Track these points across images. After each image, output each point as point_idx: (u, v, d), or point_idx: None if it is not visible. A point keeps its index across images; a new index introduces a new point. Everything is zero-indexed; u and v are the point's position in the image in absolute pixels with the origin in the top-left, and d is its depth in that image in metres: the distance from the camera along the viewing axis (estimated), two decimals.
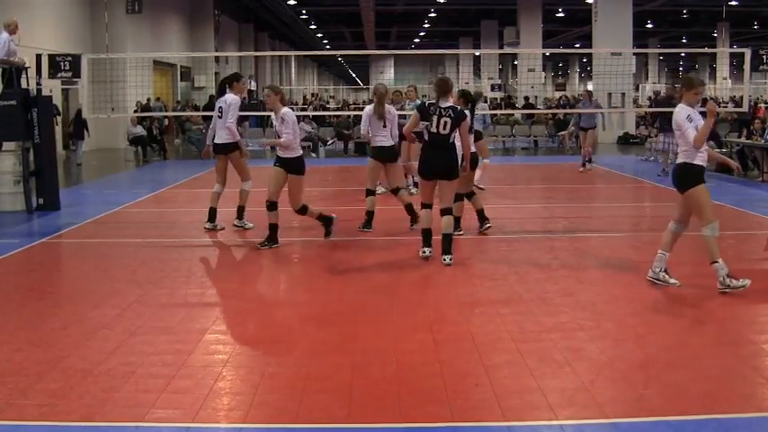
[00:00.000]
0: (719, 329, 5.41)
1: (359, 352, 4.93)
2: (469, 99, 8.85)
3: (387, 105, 9.22)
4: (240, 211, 9.46)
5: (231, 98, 9.05)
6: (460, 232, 8.70)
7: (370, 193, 9.14)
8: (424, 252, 7.43)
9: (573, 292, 6.43)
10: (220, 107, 9.05)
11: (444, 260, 7.21)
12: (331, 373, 4.54)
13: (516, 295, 6.32)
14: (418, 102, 12.47)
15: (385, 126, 9.06)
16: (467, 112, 8.67)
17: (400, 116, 11.96)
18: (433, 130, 7.26)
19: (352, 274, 7.16)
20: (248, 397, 4.21)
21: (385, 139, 9.09)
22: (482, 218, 8.86)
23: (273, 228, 8.16)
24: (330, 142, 22.63)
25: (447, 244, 7.31)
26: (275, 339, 5.25)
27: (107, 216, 10.71)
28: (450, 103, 7.40)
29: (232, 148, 9.16)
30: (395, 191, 9.21)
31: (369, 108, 9.38)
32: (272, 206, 8.07)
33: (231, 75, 9.67)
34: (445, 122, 7.22)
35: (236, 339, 5.24)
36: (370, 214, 9.04)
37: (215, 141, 9.25)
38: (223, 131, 9.07)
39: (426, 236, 7.50)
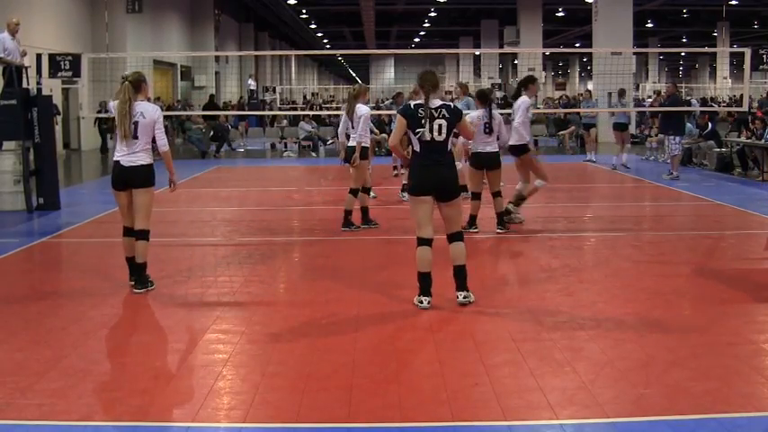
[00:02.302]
0: (719, 329, 5.40)
1: (359, 352, 4.93)
2: (487, 99, 9.03)
3: (357, 105, 9.18)
4: (520, 200, 9.46)
5: (522, 100, 9.14)
6: (476, 230, 8.89)
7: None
8: (422, 303, 5.86)
9: (573, 291, 6.43)
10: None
11: (459, 298, 5.92)
12: (331, 373, 4.54)
13: (516, 295, 6.31)
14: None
15: (353, 126, 9.18)
16: (478, 111, 8.87)
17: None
18: (426, 137, 5.79)
19: (353, 274, 7.15)
20: (248, 396, 4.21)
21: (351, 140, 9.22)
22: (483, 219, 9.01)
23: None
24: (330, 142, 22.66)
25: (462, 278, 5.94)
26: (275, 339, 5.25)
27: (107, 215, 10.70)
28: (440, 101, 5.94)
29: (523, 149, 9.10)
30: (365, 190, 9.37)
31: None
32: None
33: (526, 77, 9.70)
34: (440, 126, 5.78)
35: (236, 339, 5.23)
36: (348, 213, 9.22)
37: (509, 143, 9.17)
38: (514, 133, 9.07)
39: (425, 282, 5.90)
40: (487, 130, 8.72)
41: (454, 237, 5.95)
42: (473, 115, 8.78)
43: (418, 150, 5.89)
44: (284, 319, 5.80)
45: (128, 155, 6.34)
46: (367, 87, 9.75)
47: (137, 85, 6.38)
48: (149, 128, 6.35)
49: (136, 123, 6.29)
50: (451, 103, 6.09)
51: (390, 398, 4.17)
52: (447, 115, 5.84)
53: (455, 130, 6.00)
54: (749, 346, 5.07)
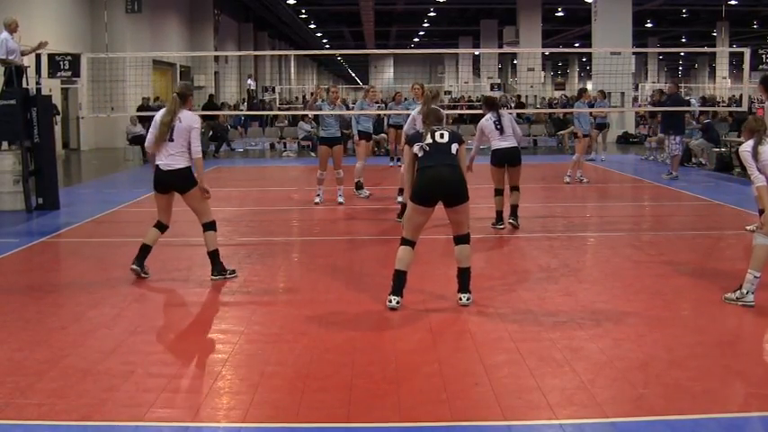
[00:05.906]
0: (719, 329, 5.41)
1: (359, 352, 4.93)
2: (493, 104, 9.38)
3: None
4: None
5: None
6: (502, 226, 9.15)
7: None
8: (391, 302, 5.83)
9: (573, 291, 6.43)
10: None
11: (461, 300, 5.89)
12: (331, 373, 4.54)
13: (516, 295, 6.31)
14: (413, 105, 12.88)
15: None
16: (486, 115, 9.21)
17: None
18: (428, 140, 5.83)
19: (353, 274, 7.15)
20: (248, 396, 4.21)
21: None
22: (500, 217, 9.18)
23: None
24: None
25: (466, 280, 5.93)
26: (275, 339, 5.25)
27: (106, 215, 10.71)
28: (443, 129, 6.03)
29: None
30: None
31: (415, 112, 9.70)
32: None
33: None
34: (442, 134, 5.86)
35: (235, 339, 5.23)
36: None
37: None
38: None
39: (399, 281, 5.86)
40: (498, 127, 9.00)
41: (460, 239, 5.92)
42: (482, 120, 9.18)
43: (422, 155, 5.82)
44: (284, 319, 5.80)
45: (165, 159, 6.66)
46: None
47: (184, 97, 6.70)
48: (185, 132, 6.62)
49: (172, 127, 6.60)
50: (453, 130, 6.18)
51: (390, 398, 4.17)
52: (449, 132, 5.94)
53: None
54: (749, 345, 5.07)
